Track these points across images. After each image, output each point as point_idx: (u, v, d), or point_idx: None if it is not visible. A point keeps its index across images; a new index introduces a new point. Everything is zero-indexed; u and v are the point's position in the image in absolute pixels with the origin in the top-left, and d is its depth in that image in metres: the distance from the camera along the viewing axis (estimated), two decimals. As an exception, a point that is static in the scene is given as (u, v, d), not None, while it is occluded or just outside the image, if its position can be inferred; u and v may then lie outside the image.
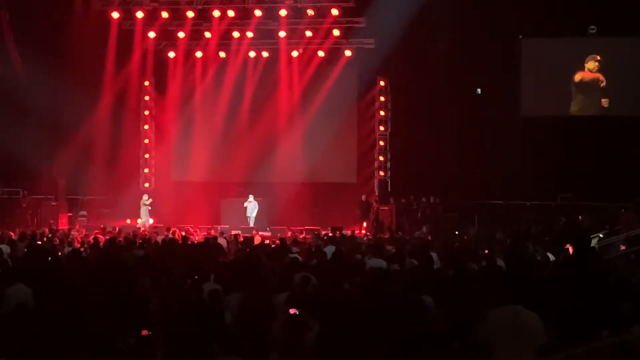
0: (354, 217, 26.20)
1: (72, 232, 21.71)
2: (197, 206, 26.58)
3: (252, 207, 26.35)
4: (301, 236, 21.58)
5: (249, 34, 27.24)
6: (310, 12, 26.12)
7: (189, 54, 28.56)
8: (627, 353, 4.72)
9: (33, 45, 25.05)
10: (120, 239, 17.78)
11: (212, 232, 22.14)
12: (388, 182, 28.03)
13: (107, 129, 27.75)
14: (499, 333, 4.22)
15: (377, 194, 27.47)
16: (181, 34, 27.65)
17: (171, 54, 28.71)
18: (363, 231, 25.17)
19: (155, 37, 27.81)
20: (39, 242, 17.63)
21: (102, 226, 23.48)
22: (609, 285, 8.69)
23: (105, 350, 6.88)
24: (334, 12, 26.07)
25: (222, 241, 17.65)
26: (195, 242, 18.57)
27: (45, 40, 25.25)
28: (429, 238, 20.25)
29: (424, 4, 23.77)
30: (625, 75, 25.80)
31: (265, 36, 27.37)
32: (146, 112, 29.88)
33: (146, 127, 29.91)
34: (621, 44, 26.08)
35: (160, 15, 26.78)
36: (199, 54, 28.50)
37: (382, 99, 28.06)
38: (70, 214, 27.20)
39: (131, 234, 19.42)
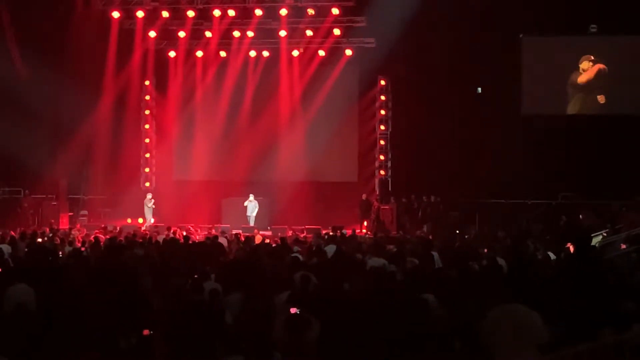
0: (355, 216, 26.20)
1: (73, 232, 21.74)
2: (198, 205, 26.59)
3: (252, 206, 26.37)
4: (302, 235, 21.59)
5: (250, 34, 27.25)
6: (310, 11, 26.14)
7: (189, 54, 28.57)
8: (629, 352, 4.72)
9: (34, 45, 25.05)
10: (121, 238, 17.79)
11: (213, 231, 22.14)
12: (389, 181, 28.03)
13: (107, 128, 27.78)
14: (499, 332, 4.22)
15: (377, 193, 27.48)
16: (182, 34, 27.66)
17: (172, 54, 28.71)
18: (364, 230, 25.17)
19: (155, 37, 27.84)
20: (40, 240, 17.69)
21: (103, 225, 23.51)
22: (609, 283, 8.69)
23: (107, 350, 6.89)
24: (335, 11, 26.10)
25: (222, 240, 17.66)
26: (196, 241, 18.58)
27: (46, 39, 25.27)
28: (430, 237, 20.26)
29: (425, 3, 23.80)
30: (626, 74, 25.77)
31: (266, 35, 27.37)
32: (147, 112, 29.87)
33: (147, 126, 29.91)
34: (622, 43, 26.06)
35: (161, 14, 26.82)
36: (199, 54, 28.50)
37: (382, 98, 28.05)
38: (71, 214, 27.22)
39: (132, 233, 19.43)
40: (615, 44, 26.16)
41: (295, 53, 27.87)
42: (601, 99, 26.21)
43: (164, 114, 29.53)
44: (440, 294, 8.49)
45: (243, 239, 18.57)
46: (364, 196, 26.43)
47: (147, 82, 29.48)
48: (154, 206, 26.88)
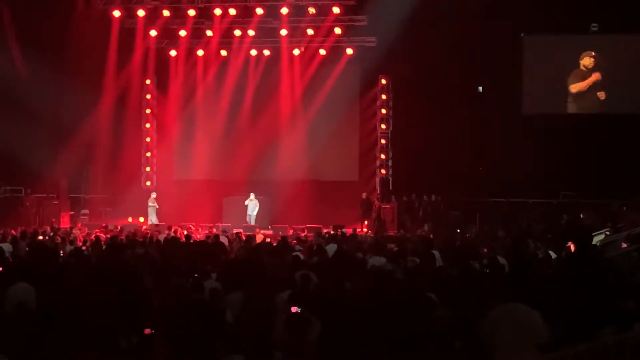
0: (356, 215, 26.20)
1: (74, 231, 21.75)
2: (199, 204, 26.59)
3: (253, 205, 26.38)
4: (303, 234, 21.59)
5: (251, 32, 27.26)
6: (311, 10, 26.17)
7: (190, 53, 28.60)
8: (629, 351, 4.71)
9: (35, 44, 25.05)
10: (122, 237, 17.80)
11: (214, 230, 22.15)
12: (390, 180, 28.02)
13: (108, 127, 27.80)
14: (499, 331, 4.22)
15: (378, 192, 27.47)
16: (183, 32, 27.68)
17: (173, 53, 28.73)
18: (365, 229, 25.17)
19: (156, 36, 27.88)
20: (40, 238, 17.70)
21: (104, 224, 23.55)
22: (610, 283, 8.69)
23: (108, 349, 6.88)
24: (336, 10, 26.13)
25: (223, 240, 17.66)
26: (197, 240, 18.58)
27: (47, 38, 25.26)
28: (431, 236, 20.27)
29: (425, 2, 23.77)
30: (628, 73, 25.75)
31: (267, 34, 27.39)
32: (148, 111, 29.88)
33: (148, 125, 29.91)
34: (623, 42, 26.04)
35: (162, 13, 26.85)
36: (200, 53, 28.52)
37: (383, 97, 28.05)
38: (72, 213, 27.21)
39: (132, 232, 19.44)
40: (616, 42, 26.15)
41: (296, 52, 27.89)
42: (601, 95, 26.19)
43: (164, 113, 29.55)
44: (441, 293, 8.48)
45: (244, 238, 18.58)
46: (364, 195, 26.42)
47: (148, 81, 29.50)
48: (157, 206, 26.86)
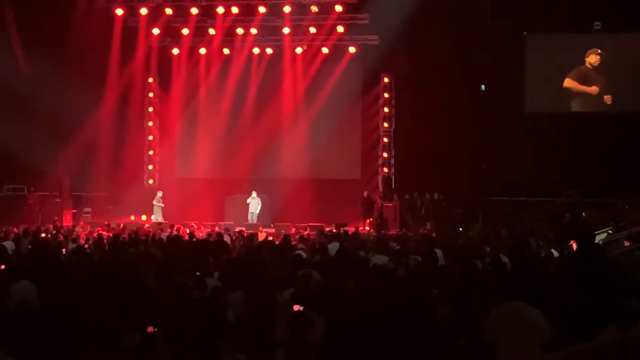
0: (358, 214, 26.19)
1: (77, 229, 21.77)
2: (201, 203, 26.57)
3: (255, 203, 26.36)
4: (305, 233, 21.59)
5: (253, 31, 27.25)
6: (314, 8, 26.15)
7: (193, 51, 28.60)
8: (632, 350, 4.71)
9: (37, 43, 25.09)
10: (124, 235, 17.81)
11: (216, 228, 22.15)
12: (392, 178, 28.00)
13: (111, 125, 27.80)
14: (502, 330, 4.21)
15: (381, 190, 27.46)
16: (185, 31, 27.67)
17: (175, 51, 28.72)
18: (367, 228, 25.16)
19: (159, 34, 27.87)
20: (43, 236, 17.72)
21: (106, 223, 23.58)
22: (612, 281, 8.68)
23: (110, 348, 6.88)
24: (338, 8, 26.09)
25: (226, 238, 17.66)
26: (199, 238, 18.57)
27: (49, 37, 25.26)
28: (433, 235, 20.26)
29: (428, 0, 23.76)
30: (630, 72, 25.71)
31: (269, 33, 27.38)
32: (150, 109, 29.91)
33: (150, 123, 29.95)
34: (626, 40, 26.00)
35: (164, 11, 26.85)
36: (203, 51, 28.53)
37: (386, 95, 28.05)
38: (75, 211, 27.20)
39: (134, 230, 19.46)
40: (620, 40, 26.10)
41: (299, 50, 27.89)
42: (608, 99, 26.17)
43: (167, 112, 29.57)
44: (444, 291, 8.48)
45: (246, 236, 18.58)
46: (365, 194, 26.41)
47: (150, 80, 29.52)
48: (163, 205, 26.85)
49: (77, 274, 10.65)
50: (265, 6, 26.39)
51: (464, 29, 24.29)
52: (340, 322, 6.89)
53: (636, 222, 18.04)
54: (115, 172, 27.95)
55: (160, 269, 11.41)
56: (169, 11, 26.79)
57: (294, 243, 16.28)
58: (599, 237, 17.28)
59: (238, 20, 27.06)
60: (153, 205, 26.85)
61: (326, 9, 26.28)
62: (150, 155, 29.86)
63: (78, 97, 25.37)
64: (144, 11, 26.94)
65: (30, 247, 15.02)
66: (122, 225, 22.62)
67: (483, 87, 27.04)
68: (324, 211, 26.02)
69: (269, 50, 28.09)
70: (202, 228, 23.61)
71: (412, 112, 26.55)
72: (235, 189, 27.39)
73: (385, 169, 28.01)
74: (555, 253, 13.26)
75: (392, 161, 28.02)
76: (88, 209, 27.81)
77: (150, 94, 29.80)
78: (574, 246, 12.60)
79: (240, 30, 27.43)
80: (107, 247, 15.15)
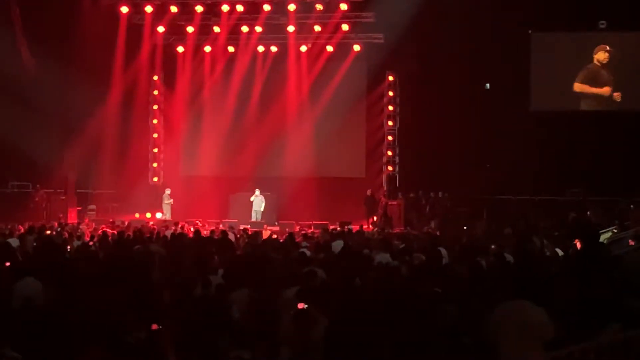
0: (363, 212, 26.18)
1: (82, 226, 21.82)
2: (205, 201, 26.60)
3: (258, 201, 26.35)
4: (309, 231, 21.60)
5: (258, 29, 27.26)
6: (319, 6, 26.13)
7: (197, 49, 28.61)
8: (636, 349, 4.71)
9: (43, 40, 25.10)
10: (129, 233, 17.85)
11: (221, 226, 22.17)
12: (396, 177, 28.00)
13: (116, 123, 27.82)
14: (505, 328, 4.22)
15: (385, 189, 27.46)
16: (190, 29, 27.68)
17: (180, 49, 28.74)
18: (371, 226, 25.14)
19: (164, 32, 27.87)
20: (48, 233, 17.77)
21: (111, 220, 23.62)
22: (617, 280, 8.67)
23: (115, 344, 6.90)
24: (343, 6, 26.07)
25: (230, 236, 17.67)
26: (204, 236, 18.59)
27: (54, 35, 25.29)
28: (438, 233, 20.24)
29: (433, -2, 23.78)
30: (636, 70, 25.66)
31: (274, 31, 27.38)
32: (155, 107, 29.91)
33: (155, 121, 29.96)
34: (631, 39, 25.95)
35: (169, 9, 26.86)
36: (207, 49, 28.54)
37: (390, 93, 28.02)
38: (80, 208, 27.24)
39: (139, 227, 19.48)
40: (625, 39, 26.05)
41: (304, 48, 27.87)
42: (617, 96, 26.12)
43: (172, 109, 29.59)
44: (448, 290, 8.49)
45: (251, 233, 18.60)
46: (368, 192, 26.40)
47: (155, 77, 29.52)
48: (172, 201, 26.87)
49: (81, 271, 10.69)
50: (270, 4, 26.38)
51: (469, 28, 24.28)
52: (344, 319, 6.91)
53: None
54: (120, 169, 27.99)
55: (164, 266, 11.44)
56: (174, 9, 26.82)
57: (298, 241, 16.30)
58: (604, 236, 17.23)
59: (243, 18, 27.08)
60: (163, 204, 26.87)
61: (331, 7, 26.26)
62: (154, 152, 29.86)
63: (83, 95, 25.37)
64: (149, 9, 26.96)
65: (35, 244, 15.06)
66: (126, 223, 22.65)
67: (488, 85, 27.02)
68: (328, 209, 26.02)
69: (273, 49, 28.10)
70: (207, 226, 23.64)
71: (417, 111, 26.52)
72: (240, 187, 27.39)
73: (390, 167, 27.98)
74: (560, 252, 13.23)
75: (397, 159, 27.99)
76: (93, 207, 27.87)
77: (155, 92, 29.80)
78: (579, 245, 12.55)
79: (245, 28, 27.45)
80: (112, 245, 15.18)
